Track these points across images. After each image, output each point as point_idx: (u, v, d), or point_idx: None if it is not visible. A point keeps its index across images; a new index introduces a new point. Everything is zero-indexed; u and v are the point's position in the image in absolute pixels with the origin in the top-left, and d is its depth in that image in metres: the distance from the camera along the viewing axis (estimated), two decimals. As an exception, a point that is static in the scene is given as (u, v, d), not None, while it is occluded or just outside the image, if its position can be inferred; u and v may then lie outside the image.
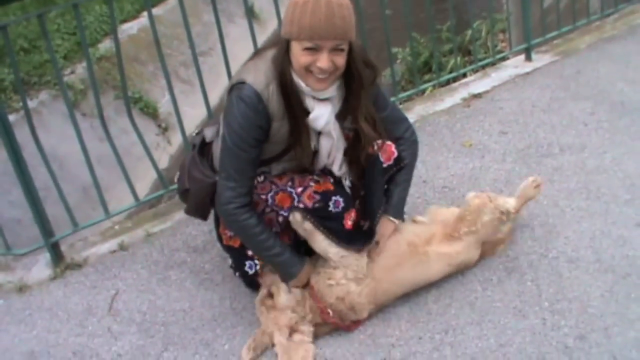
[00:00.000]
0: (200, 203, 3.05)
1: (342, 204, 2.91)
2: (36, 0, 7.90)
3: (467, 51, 7.90)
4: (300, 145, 2.82)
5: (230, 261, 3.27)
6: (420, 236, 3.10)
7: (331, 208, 2.89)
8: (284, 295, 2.93)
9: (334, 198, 2.90)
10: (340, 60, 2.66)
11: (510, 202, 3.28)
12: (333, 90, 2.77)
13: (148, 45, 8.82)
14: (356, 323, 2.99)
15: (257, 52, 2.90)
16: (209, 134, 3.10)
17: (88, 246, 3.88)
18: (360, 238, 2.99)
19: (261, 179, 2.90)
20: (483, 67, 5.44)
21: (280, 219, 2.91)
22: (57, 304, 3.45)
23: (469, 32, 7.03)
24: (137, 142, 4.08)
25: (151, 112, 8.28)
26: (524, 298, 3.01)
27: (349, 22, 2.61)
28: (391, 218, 3.08)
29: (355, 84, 2.79)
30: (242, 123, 2.71)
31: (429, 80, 5.49)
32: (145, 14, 9.37)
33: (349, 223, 2.93)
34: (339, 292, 2.92)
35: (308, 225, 2.89)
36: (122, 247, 3.78)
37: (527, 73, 5.16)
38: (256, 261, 3.12)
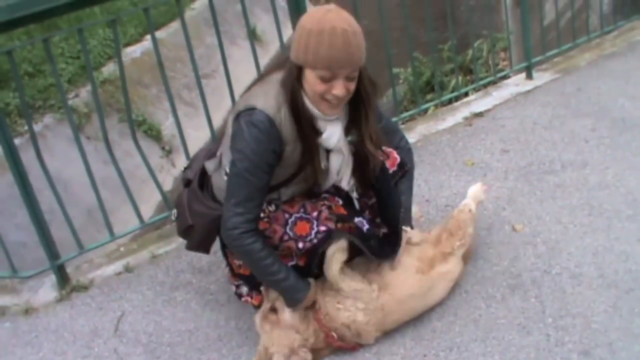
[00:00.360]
0: (206, 236, 3.05)
1: (365, 223, 2.95)
2: (40, 25, 7.95)
3: (468, 70, 7.94)
4: (313, 165, 2.83)
5: (234, 288, 3.29)
6: (424, 260, 3.11)
7: (361, 227, 2.95)
8: (289, 313, 2.92)
9: (357, 220, 2.95)
10: (353, 85, 2.68)
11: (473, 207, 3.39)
12: (341, 110, 2.81)
13: (151, 68, 8.87)
14: (361, 344, 3.00)
15: (261, 77, 2.90)
16: (210, 166, 3.07)
17: (94, 268, 3.90)
18: (385, 248, 3.03)
19: (272, 208, 2.91)
20: (484, 85, 5.46)
21: (301, 245, 2.90)
22: (63, 325, 3.47)
23: (470, 51, 7.09)
24: (141, 165, 4.11)
25: (155, 135, 8.32)
26: (528, 314, 3.02)
27: (363, 49, 2.63)
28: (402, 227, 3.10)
29: (365, 106, 2.81)
30: (255, 149, 2.68)
31: (431, 100, 5.51)
32: (148, 37, 9.41)
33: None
34: (346, 318, 2.91)
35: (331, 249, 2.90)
36: (128, 269, 3.81)
37: (528, 91, 5.19)
38: None
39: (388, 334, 3.03)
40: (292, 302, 2.94)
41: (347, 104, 2.83)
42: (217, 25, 4.09)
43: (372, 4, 4.57)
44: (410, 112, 5.15)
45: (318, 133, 2.78)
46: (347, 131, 2.88)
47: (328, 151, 2.87)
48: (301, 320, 2.93)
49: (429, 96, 7.25)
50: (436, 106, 5.37)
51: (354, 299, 2.92)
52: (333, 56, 2.56)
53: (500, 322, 3.01)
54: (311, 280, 2.99)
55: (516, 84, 5.37)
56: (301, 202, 2.94)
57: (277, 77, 2.77)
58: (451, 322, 3.06)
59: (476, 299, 3.17)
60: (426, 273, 3.06)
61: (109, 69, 8.61)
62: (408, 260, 3.09)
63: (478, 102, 5.14)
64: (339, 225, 2.90)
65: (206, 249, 3.14)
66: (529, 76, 5.40)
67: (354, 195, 3.05)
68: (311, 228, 2.89)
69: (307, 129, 2.74)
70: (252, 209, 2.77)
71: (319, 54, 2.56)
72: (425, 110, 5.33)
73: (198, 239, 3.06)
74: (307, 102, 2.71)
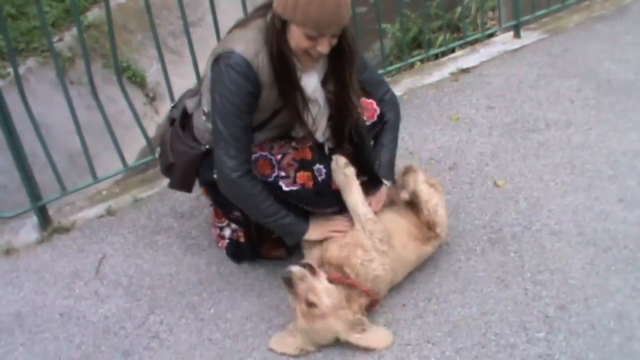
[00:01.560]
0: (186, 175, 3.07)
1: (324, 172, 2.94)
2: (25, -34, 7.83)
3: (456, 28, 7.90)
4: (296, 107, 2.82)
5: (216, 230, 3.32)
6: (418, 229, 3.09)
7: (317, 174, 2.92)
8: (326, 298, 2.75)
9: (316, 167, 2.94)
10: (335, 41, 2.69)
11: None
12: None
13: (137, 14, 8.76)
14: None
15: (241, 22, 2.87)
16: (190, 105, 3.09)
17: (75, 211, 3.90)
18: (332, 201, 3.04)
19: None
20: (472, 43, 5.45)
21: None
22: (44, 266, 3.47)
23: (459, 9, 7.04)
24: (125, 111, 4.08)
25: (139, 82, 8.24)
26: (507, 268, 3.06)
27: (349, 8, 2.64)
28: (383, 180, 3.10)
29: (347, 60, 2.80)
30: (235, 91, 2.70)
31: (417, 55, 5.50)
32: (134, -18, 9.33)
33: (334, 186, 2.96)
34: (372, 272, 2.85)
35: (350, 171, 2.91)
36: (110, 212, 3.80)
37: (515, 50, 5.19)
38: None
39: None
40: (298, 234, 2.97)
41: (327, 57, 2.82)
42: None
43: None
44: (397, 66, 5.15)
45: (297, 82, 2.78)
46: (325, 81, 2.88)
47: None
48: (339, 300, 2.79)
49: (415, 52, 7.22)
50: (422, 61, 5.36)
51: (369, 234, 2.89)
52: (322, 18, 2.56)
53: (479, 275, 3.05)
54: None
55: (504, 42, 5.37)
56: (270, 143, 2.95)
57: (257, 23, 2.76)
58: (431, 273, 3.09)
59: (456, 251, 3.20)
60: (423, 244, 3.06)
61: (94, 13, 8.49)
62: (403, 223, 3.08)
63: (465, 59, 5.14)
64: (299, 174, 2.90)
65: (188, 188, 3.15)
66: (517, 35, 5.40)
67: (327, 145, 3.03)
68: (272, 170, 2.90)
69: (286, 78, 2.74)
70: (242, 149, 2.77)
71: (309, 14, 2.56)
72: (412, 65, 5.32)
73: (179, 177, 3.09)
74: (289, 54, 2.71)
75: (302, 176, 2.90)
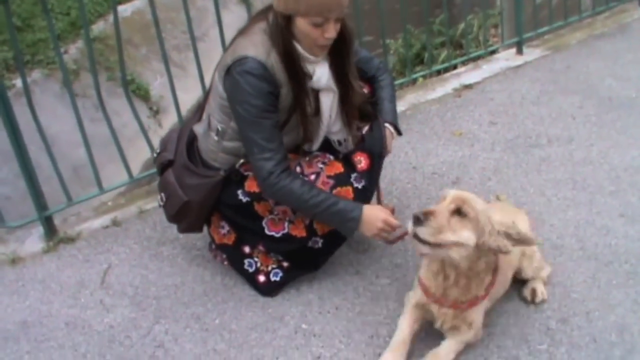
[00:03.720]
0: (204, 210, 3.05)
1: (361, 179, 2.99)
2: (31, -21, 7.91)
3: (458, 44, 7.96)
4: (304, 107, 2.88)
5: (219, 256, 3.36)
6: None
7: (356, 184, 2.97)
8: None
9: (353, 176, 2.98)
10: (339, 26, 2.78)
11: None
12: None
13: (141, 28, 8.82)
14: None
15: (242, 31, 2.92)
16: (200, 129, 3.08)
17: (81, 221, 3.92)
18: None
19: None
20: (474, 59, 5.50)
21: None
22: (50, 276, 3.49)
23: (462, 25, 7.10)
24: (128, 124, 4.12)
25: (143, 95, 8.28)
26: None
27: None
28: (386, 124, 3.15)
29: (346, 46, 2.90)
30: (255, 94, 2.74)
31: (420, 71, 5.55)
32: (139, -4, 9.40)
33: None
34: None
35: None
36: (115, 223, 3.83)
37: (518, 66, 5.24)
38: (255, 258, 3.17)
39: (371, 294, 3.11)
40: (350, 224, 2.85)
41: None
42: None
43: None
44: (400, 81, 5.18)
45: (308, 76, 2.85)
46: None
47: (317, 94, 2.93)
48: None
49: (418, 68, 7.28)
50: (425, 77, 5.41)
51: None
52: (325, 2, 2.64)
53: (482, 288, 3.07)
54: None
55: (506, 58, 5.41)
56: (296, 161, 2.98)
57: (260, 26, 2.83)
58: (434, 286, 3.11)
59: (459, 265, 3.22)
60: None
61: (99, 27, 8.54)
62: None
63: (468, 75, 5.19)
64: (335, 190, 2.92)
65: (200, 228, 3.19)
66: (520, 52, 5.45)
67: (348, 149, 3.10)
68: None
69: (299, 72, 2.81)
70: (276, 149, 2.79)
71: (311, 2, 2.64)
72: (415, 80, 5.37)
73: (195, 215, 3.07)
74: (298, 47, 2.79)
75: (341, 191, 2.94)
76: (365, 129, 3.14)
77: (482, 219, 2.43)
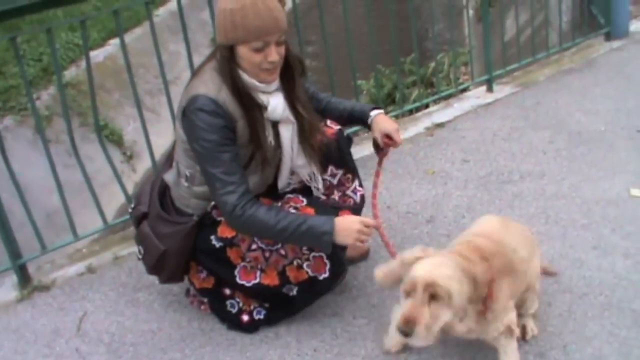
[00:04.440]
0: (181, 258, 3.04)
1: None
2: (2, 26, 7.90)
3: (429, 83, 8.05)
4: (260, 140, 2.89)
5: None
6: None
7: None
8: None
9: None
10: (282, 50, 2.82)
11: None
12: (278, 81, 2.93)
13: (114, 73, 8.85)
14: None
15: (194, 73, 2.98)
16: (170, 178, 3.09)
17: (55, 269, 3.89)
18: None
19: None
20: (446, 97, 5.57)
21: (267, 254, 2.95)
22: (24, 325, 3.45)
23: (432, 64, 7.19)
24: (101, 170, 4.12)
25: (116, 140, 8.29)
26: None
27: (283, 11, 2.76)
28: (374, 111, 3.29)
29: (292, 74, 2.95)
30: (209, 129, 2.75)
31: (392, 111, 5.60)
32: (111, 42, 9.44)
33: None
34: None
35: None
36: (90, 270, 3.80)
37: (489, 103, 5.31)
38: (237, 299, 3.16)
39: (349, 334, 3.09)
40: (324, 238, 2.80)
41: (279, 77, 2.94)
42: (185, 31, 4.13)
43: (337, 17, 4.65)
44: (373, 122, 5.21)
45: (262, 107, 2.87)
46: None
47: (276, 126, 2.96)
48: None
49: (390, 107, 7.34)
50: (397, 117, 5.45)
51: None
52: (261, 25, 2.69)
53: (459, 325, 3.08)
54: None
55: (477, 96, 5.48)
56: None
57: (209, 65, 2.88)
58: (411, 324, 3.11)
59: (436, 302, 3.23)
60: None
61: (71, 72, 8.56)
62: None
63: (439, 113, 5.25)
64: None
65: (180, 277, 3.18)
66: (490, 89, 5.52)
67: (320, 186, 3.15)
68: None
69: (250, 105, 2.83)
70: (238, 181, 2.79)
71: (248, 28, 2.68)
72: (388, 120, 5.41)
73: (173, 265, 3.06)
74: (246, 78, 2.82)
75: None
76: (339, 175, 3.17)
77: (456, 300, 2.39)
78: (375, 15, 4.92)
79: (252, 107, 2.84)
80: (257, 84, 2.84)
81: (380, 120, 3.27)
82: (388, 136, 3.25)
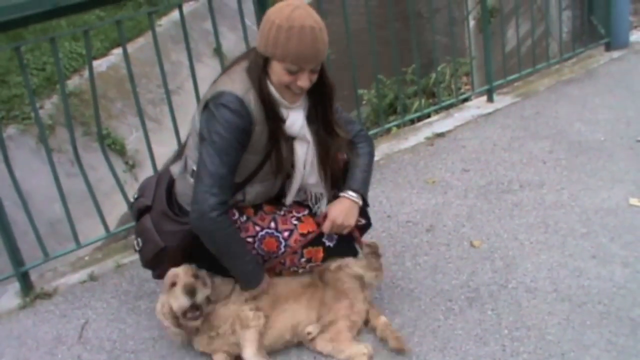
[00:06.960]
0: (179, 257, 3.04)
1: (334, 237, 3.08)
2: (5, 36, 7.95)
3: (431, 93, 8.09)
4: (279, 150, 2.90)
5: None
6: None
7: (328, 243, 3.08)
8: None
9: (325, 237, 3.08)
10: (315, 77, 2.82)
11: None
12: (302, 99, 2.93)
13: (116, 82, 8.90)
14: None
15: (226, 69, 2.98)
16: (176, 170, 3.11)
17: (58, 276, 3.91)
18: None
19: (243, 219, 2.99)
20: (446, 107, 5.60)
21: (265, 259, 3.03)
22: (26, 332, 3.48)
23: (434, 74, 7.22)
24: (104, 179, 4.13)
25: (119, 149, 8.34)
26: (485, 326, 3.11)
27: (327, 44, 2.77)
28: (350, 193, 3.07)
29: (328, 95, 2.94)
30: (227, 127, 2.75)
31: (393, 121, 5.63)
32: (114, 52, 9.49)
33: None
34: None
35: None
36: (92, 278, 3.82)
37: (489, 113, 5.34)
38: None
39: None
40: (249, 284, 3.00)
41: (307, 95, 2.94)
42: (187, 41, 4.15)
43: (339, 26, 4.68)
44: (374, 131, 5.25)
45: (281, 119, 2.87)
46: (308, 120, 2.98)
47: (292, 141, 2.95)
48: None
49: (391, 117, 7.38)
50: (399, 126, 5.49)
51: None
52: (301, 52, 2.69)
53: (458, 333, 3.09)
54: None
55: (477, 106, 5.51)
56: (271, 215, 3.02)
57: (242, 65, 2.88)
58: (410, 332, 3.13)
59: (435, 311, 3.25)
60: None
61: (74, 82, 8.61)
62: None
63: (440, 123, 5.27)
64: (306, 250, 3.03)
65: None
66: (490, 99, 5.54)
67: (324, 205, 3.14)
68: (278, 248, 3.01)
69: (272, 114, 2.84)
70: (225, 189, 2.80)
71: (288, 50, 2.68)
72: (389, 130, 5.44)
73: (171, 260, 3.05)
74: (272, 89, 2.82)
75: (311, 251, 3.02)
76: None
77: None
78: (376, 24, 4.94)
79: (273, 117, 2.85)
80: (280, 99, 2.85)
81: (339, 202, 3.09)
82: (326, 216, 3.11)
